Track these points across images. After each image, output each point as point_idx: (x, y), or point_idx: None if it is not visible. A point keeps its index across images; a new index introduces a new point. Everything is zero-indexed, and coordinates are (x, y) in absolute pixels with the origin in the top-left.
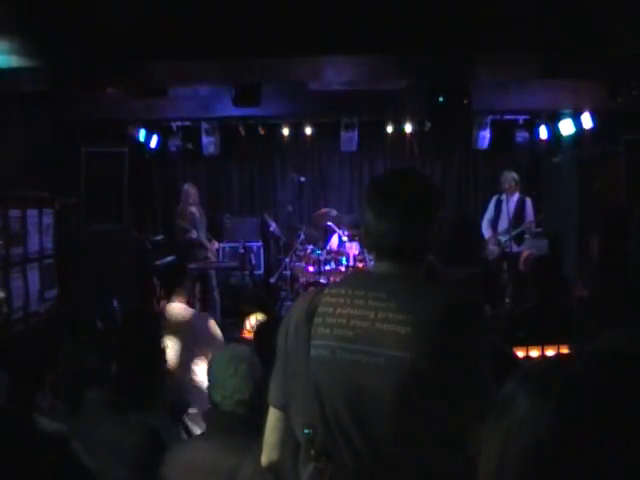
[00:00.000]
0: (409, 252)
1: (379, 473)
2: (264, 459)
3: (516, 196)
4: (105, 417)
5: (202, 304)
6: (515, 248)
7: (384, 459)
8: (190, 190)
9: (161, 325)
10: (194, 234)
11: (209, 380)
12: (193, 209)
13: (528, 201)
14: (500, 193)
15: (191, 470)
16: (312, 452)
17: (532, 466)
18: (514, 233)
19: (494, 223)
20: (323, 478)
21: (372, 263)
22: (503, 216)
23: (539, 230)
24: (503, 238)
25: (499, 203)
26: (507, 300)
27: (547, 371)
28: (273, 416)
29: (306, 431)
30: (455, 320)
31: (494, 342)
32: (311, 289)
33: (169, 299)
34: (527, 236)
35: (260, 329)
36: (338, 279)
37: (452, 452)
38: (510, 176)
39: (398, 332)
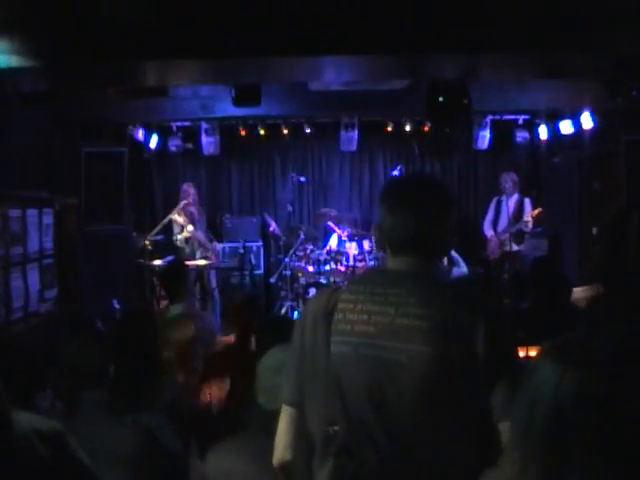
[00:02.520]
0: (422, 248)
1: (401, 469)
2: (276, 459)
3: (515, 197)
4: (102, 418)
5: (202, 304)
6: (514, 247)
7: (406, 455)
8: (189, 190)
9: (159, 324)
10: (192, 232)
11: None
12: (192, 209)
13: (527, 201)
14: (500, 194)
15: (233, 471)
16: (332, 449)
17: (554, 420)
18: (512, 231)
19: (494, 224)
20: (344, 475)
21: (372, 263)
22: (503, 217)
23: (538, 230)
24: (502, 237)
25: (499, 204)
26: (507, 300)
27: (568, 344)
28: (287, 415)
29: (327, 428)
30: (471, 310)
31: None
32: (327, 288)
33: (169, 299)
34: (527, 235)
35: (263, 328)
36: (338, 279)
37: (477, 449)
38: (509, 177)
39: (419, 327)
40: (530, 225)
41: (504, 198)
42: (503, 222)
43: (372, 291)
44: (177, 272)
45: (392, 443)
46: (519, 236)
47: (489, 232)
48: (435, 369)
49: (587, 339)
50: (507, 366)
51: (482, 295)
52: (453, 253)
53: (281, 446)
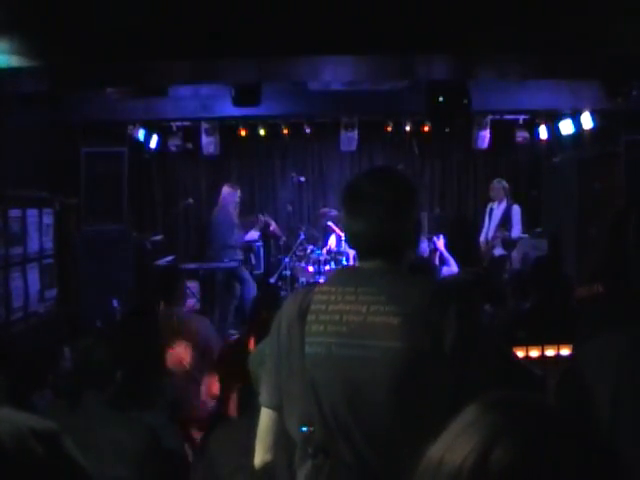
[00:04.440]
0: (384, 250)
1: (378, 468)
2: (258, 461)
3: (504, 204)
4: (105, 414)
5: (202, 306)
6: (500, 251)
7: (383, 453)
8: (237, 192)
9: (159, 325)
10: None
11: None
12: (227, 210)
13: (516, 208)
14: (492, 201)
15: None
16: (309, 450)
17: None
18: (498, 237)
19: (487, 231)
20: (321, 475)
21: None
22: (492, 223)
23: (539, 230)
24: (491, 243)
25: (491, 211)
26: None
27: (505, 408)
28: (266, 417)
29: (303, 429)
30: (439, 303)
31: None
32: (301, 288)
33: (166, 302)
34: (522, 240)
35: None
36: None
37: None
38: (498, 185)
39: (390, 323)
40: (519, 232)
41: (495, 205)
42: (492, 229)
43: (343, 290)
44: (174, 275)
45: (368, 441)
46: (508, 243)
47: (482, 238)
48: (408, 365)
49: (526, 403)
50: (483, 360)
51: (452, 290)
52: (444, 252)
53: (262, 448)
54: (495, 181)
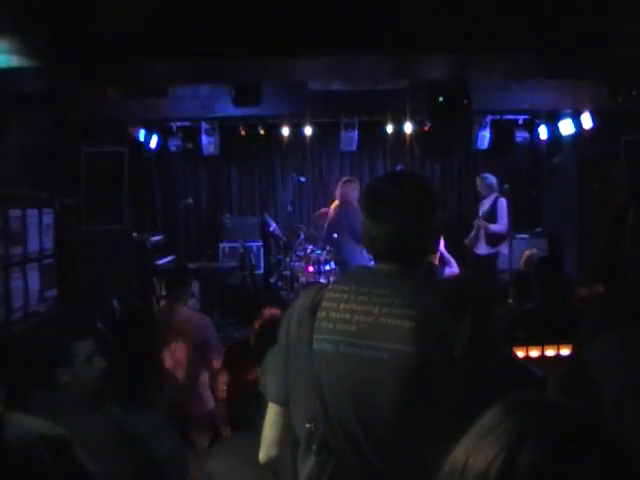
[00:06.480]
0: (404, 255)
1: (381, 468)
2: (262, 455)
3: (492, 198)
4: (75, 415)
5: (202, 306)
6: (485, 250)
7: (386, 454)
8: (358, 186)
9: (157, 324)
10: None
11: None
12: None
13: (502, 201)
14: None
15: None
16: (313, 447)
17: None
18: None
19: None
20: (324, 473)
21: (372, 263)
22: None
23: (539, 230)
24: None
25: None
26: (510, 300)
27: (528, 410)
28: (272, 412)
29: (307, 425)
30: (454, 308)
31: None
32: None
33: (171, 300)
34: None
35: (265, 326)
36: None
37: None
38: (480, 182)
39: (402, 326)
40: (504, 226)
41: (484, 201)
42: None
43: (357, 290)
44: (180, 274)
45: (371, 442)
46: (492, 238)
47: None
48: (417, 369)
49: (549, 410)
50: (493, 366)
51: (467, 295)
52: (445, 253)
53: (267, 443)
54: (477, 178)
